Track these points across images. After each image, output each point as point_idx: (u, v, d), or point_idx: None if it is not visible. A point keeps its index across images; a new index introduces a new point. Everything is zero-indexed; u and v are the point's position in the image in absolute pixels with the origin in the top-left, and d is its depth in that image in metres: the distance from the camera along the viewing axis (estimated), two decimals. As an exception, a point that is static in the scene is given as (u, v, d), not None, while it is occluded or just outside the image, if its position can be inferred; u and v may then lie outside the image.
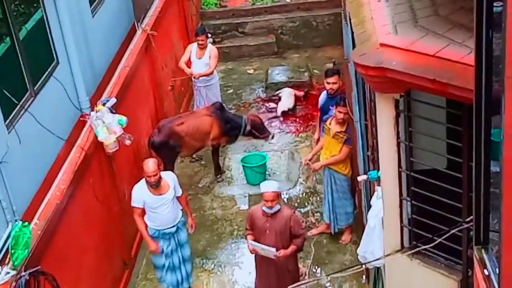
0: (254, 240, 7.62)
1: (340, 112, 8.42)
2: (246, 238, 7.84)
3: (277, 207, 7.47)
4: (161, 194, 7.93)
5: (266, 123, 11.35)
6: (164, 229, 8.09)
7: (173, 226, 8.13)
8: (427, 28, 4.93)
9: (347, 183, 8.90)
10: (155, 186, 7.83)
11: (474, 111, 3.70)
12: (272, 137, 10.89)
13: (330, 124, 8.64)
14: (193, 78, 11.26)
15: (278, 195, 7.52)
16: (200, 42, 11.07)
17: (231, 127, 10.52)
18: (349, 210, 9.05)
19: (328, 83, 9.05)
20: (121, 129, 8.23)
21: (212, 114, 10.42)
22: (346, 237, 9.27)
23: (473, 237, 4.05)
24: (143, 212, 8.02)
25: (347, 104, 8.34)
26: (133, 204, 8.03)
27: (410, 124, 5.11)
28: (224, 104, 11.25)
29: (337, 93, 8.93)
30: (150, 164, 7.82)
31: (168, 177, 8.09)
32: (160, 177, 7.86)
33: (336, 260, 9.00)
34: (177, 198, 8.14)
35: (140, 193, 7.96)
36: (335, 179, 8.84)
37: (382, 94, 5.11)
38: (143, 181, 7.97)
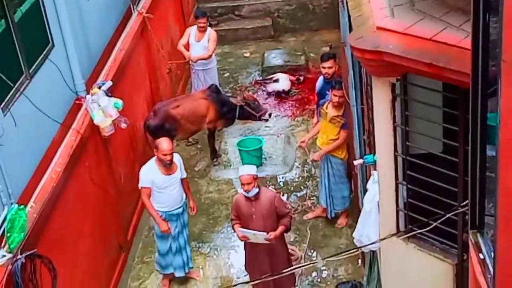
0: (242, 227, 7.64)
1: (335, 95, 8.40)
2: (233, 228, 7.86)
3: (255, 190, 7.48)
4: (170, 174, 8.01)
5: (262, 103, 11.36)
6: (172, 210, 8.14)
7: (180, 207, 8.21)
8: (424, 11, 4.91)
9: (344, 167, 8.90)
10: (169, 165, 7.92)
11: (470, 95, 3.70)
12: (270, 115, 10.78)
13: (326, 108, 8.62)
14: (191, 62, 11.22)
15: (254, 178, 7.51)
16: (201, 25, 11.01)
17: (227, 110, 10.50)
18: (346, 194, 9.05)
19: (324, 67, 9.02)
20: (117, 112, 8.22)
21: (208, 97, 10.40)
22: (341, 221, 9.29)
23: (469, 221, 4.06)
24: (150, 193, 8.06)
25: (342, 87, 8.32)
26: (141, 184, 8.05)
27: (406, 108, 5.10)
28: (220, 88, 11.23)
29: (333, 77, 8.90)
30: (165, 143, 7.91)
31: (176, 158, 8.15)
32: (173, 156, 7.96)
33: (332, 243, 9.03)
34: (181, 180, 8.21)
35: (149, 173, 8.01)
36: (332, 163, 8.84)
37: (378, 78, 5.10)
38: (151, 161, 8.05)
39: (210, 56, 11.16)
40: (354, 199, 9.01)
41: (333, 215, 9.22)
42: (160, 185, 7.99)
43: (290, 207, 9.60)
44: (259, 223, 7.53)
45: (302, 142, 9.18)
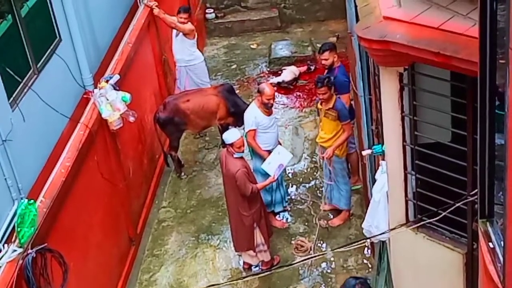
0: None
1: (318, 94, 8.47)
2: None
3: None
4: (270, 115, 8.86)
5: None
6: (273, 148, 8.78)
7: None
8: (431, 0, 4.88)
9: (340, 166, 8.76)
10: (271, 107, 8.82)
11: (478, 84, 3.69)
12: None
13: (321, 105, 8.60)
14: (175, 59, 11.12)
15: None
16: (180, 21, 10.86)
17: (238, 111, 10.34)
18: (342, 193, 8.92)
19: (321, 59, 9.06)
20: (125, 106, 8.22)
21: (219, 94, 10.28)
22: (335, 221, 9.19)
23: (478, 210, 4.05)
24: (255, 134, 8.80)
25: (324, 84, 8.30)
26: (248, 127, 8.76)
27: (414, 97, 5.09)
28: (228, 81, 11.19)
29: (332, 68, 8.89)
30: (269, 88, 8.78)
31: None
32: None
33: (341, 234, 9.03)
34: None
35: (254, 116, 8.73)
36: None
37: (386, 68, 5.09)
38: (254, 106, 8.78)
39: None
40: (362, 190, 8.97)
41: (332, 202, 9.17)
42: (266, 125, 8.73)
43: (299, 198, 9.65)
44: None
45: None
